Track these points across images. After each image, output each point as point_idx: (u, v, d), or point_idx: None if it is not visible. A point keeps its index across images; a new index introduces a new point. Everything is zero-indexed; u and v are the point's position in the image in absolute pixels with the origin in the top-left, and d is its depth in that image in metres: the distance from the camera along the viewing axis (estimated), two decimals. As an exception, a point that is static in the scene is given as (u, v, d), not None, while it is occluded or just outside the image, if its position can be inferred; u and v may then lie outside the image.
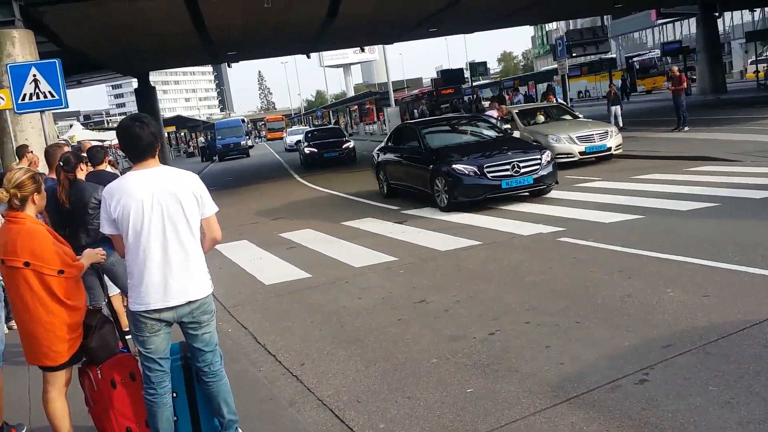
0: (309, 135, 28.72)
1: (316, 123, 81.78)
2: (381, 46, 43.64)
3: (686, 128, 18.45)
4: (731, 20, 56.36)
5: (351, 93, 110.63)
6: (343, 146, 25.09)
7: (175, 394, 3.62)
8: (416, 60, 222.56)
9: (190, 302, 3.43)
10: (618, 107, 21.48)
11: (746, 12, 51.52)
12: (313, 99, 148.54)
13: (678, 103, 18.85)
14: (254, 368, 5.10)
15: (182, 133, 69.80)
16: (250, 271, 8.44)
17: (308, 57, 31.71)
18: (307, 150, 25.66)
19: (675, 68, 21.53)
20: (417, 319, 5.75)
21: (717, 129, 17.67)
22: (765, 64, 38.13)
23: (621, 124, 20.47)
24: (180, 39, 22.09)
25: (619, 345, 4.57)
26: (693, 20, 42.14)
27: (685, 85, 20.29)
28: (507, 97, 28.58)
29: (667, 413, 3.57)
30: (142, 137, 3.39)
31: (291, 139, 44.00)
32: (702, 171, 11.83)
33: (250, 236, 11.05)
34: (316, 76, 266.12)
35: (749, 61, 45.22)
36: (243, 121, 59.08)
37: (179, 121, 65.79)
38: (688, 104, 20.22)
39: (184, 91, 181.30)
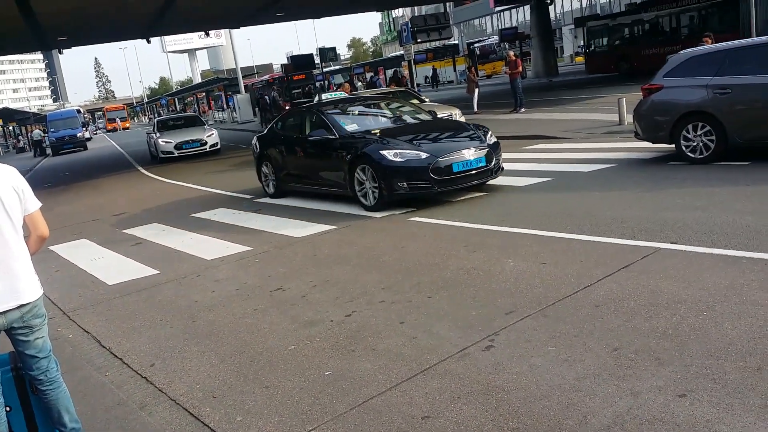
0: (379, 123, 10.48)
1: (162, 112, 77.84)
2: (227, 30, 42.42)
3: (523, 110, 19.66)
4: (562, 7, 60.84)
5: (198, 79, 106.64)
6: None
7: (8, 408, 3.33)
8: (266, 46, 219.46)
9: (21, 306, 3.16)
10: (477, 90, 22.36)
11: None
12: (157, 86, 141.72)
13: (515, 86, 20.03)
14: (99, 373, 4.79)
15: (11, 127, 63.77)
16: (91, 272, 7.86)
17: (148, 42, 30.06)
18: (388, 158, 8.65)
19: (511, 53, 22.74)
20: (273, 308, 5.67)
21: (550, 110, 18.98)
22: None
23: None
24: (4, 24, 20.08)
25: (467, 315, 4.79)
26: (527, 7, 44.78)
27: (520, 68, 21.58)
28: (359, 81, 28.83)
29: (512, 375, 3.79)
30: None
31: (167, 142, 22.05)
32: (537, 149, 12.70)
33: (90, 235, 10.34)
34: (159, 62, 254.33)
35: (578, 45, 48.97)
36: (79, 111, 55.17)
37: (6, 114, 60.05)
38: (524, 87, 21.52)
39: (11, 81, 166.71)
